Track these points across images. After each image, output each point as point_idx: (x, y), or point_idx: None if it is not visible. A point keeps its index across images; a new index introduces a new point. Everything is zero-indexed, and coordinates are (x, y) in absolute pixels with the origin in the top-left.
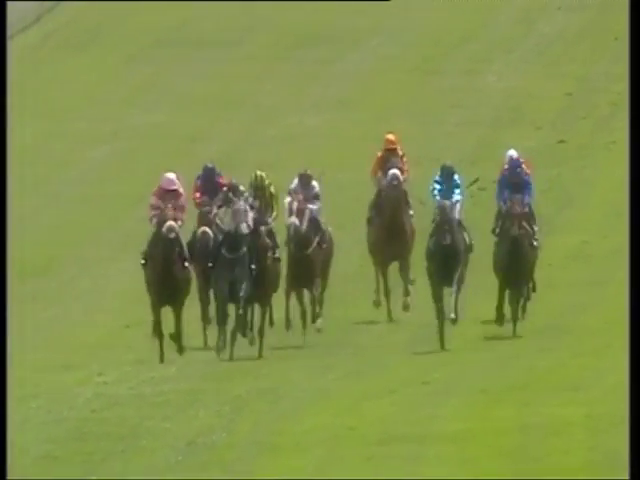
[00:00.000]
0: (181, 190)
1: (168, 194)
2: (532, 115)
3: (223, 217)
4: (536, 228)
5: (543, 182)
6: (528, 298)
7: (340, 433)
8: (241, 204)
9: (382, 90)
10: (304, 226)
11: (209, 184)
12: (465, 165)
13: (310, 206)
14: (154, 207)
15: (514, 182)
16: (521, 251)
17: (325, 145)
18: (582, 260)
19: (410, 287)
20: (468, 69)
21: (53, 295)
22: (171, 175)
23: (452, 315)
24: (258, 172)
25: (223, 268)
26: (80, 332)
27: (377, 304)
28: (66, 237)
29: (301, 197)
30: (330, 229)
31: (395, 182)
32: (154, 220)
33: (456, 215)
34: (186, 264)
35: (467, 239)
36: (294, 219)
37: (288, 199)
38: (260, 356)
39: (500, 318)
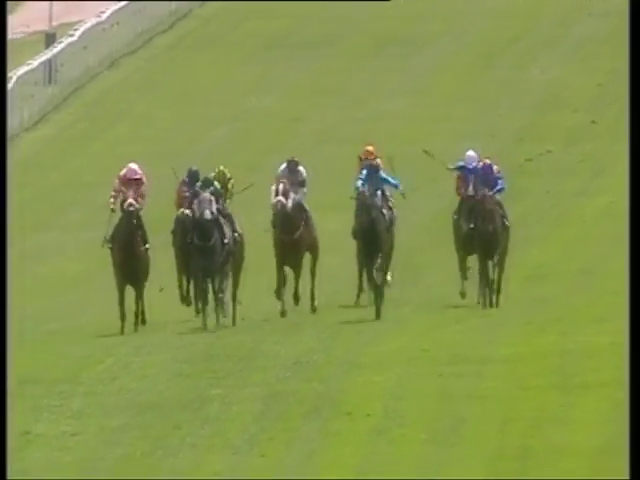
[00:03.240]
0: (144, 179)
1: (131, 182)
2: (570, 101)
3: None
4: (506, 210)
5: (579, 155)
6: (500, 275)
7: (415, 355)
8: (206, 195)
9: (448, 80)
10: (289, 205)
11: (193, 186)
12: (514, 141)
13: (294, 195)
14: (116, 191)
15: (485, 178)
16: (496, 242)
17: (403, 125)
18: (610, 217)
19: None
20: (517, 64)
21: (170, 245)
22: (134, 165)
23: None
24: (221, 167)
25: (196, 256)
26: None
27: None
28: None
29: (286, 181)
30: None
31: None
32: (113, 201)
33: (378, 203)
34: (147, 246)
35: (388, 221)
36: (280, 197)
37: (273, 186)
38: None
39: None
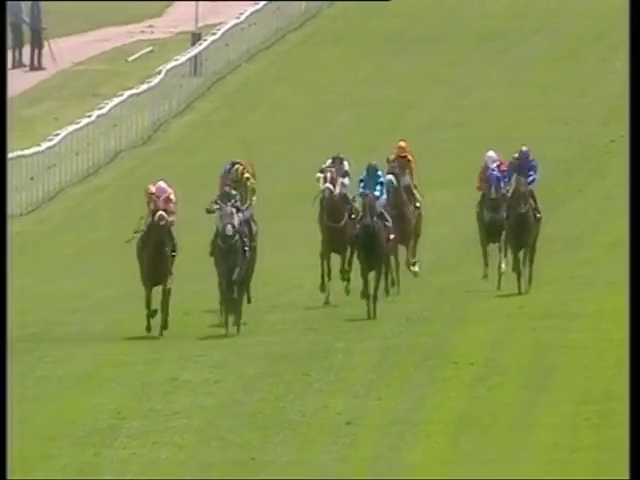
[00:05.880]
0: (172, 196)
1: (160, 199)
2: None
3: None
4: (539, 204)
5: None
6: (531, 261)
7: (512, 311)
8: (228, 208)
9: (542, 72)
10: (337, 192)
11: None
12: (600, 125)
13: (342, 180)
14: (148, 204)
15: (523, 165)
16: (527, 225)
17: (503, 111)
18: None
19: (414, 266)
20: (602, 58)
21: (303, 216)
22: (163, 184)
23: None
24: (237, 166)
25: (220, 256)
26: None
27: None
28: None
29: (334, 169)
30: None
31: (389, 187)
32: (150, 207)
33: (378, 208)
34: (174, 254)
35: (389, 229)
36: (328, 185)
37: (320, 175)
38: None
39: (517, 274)
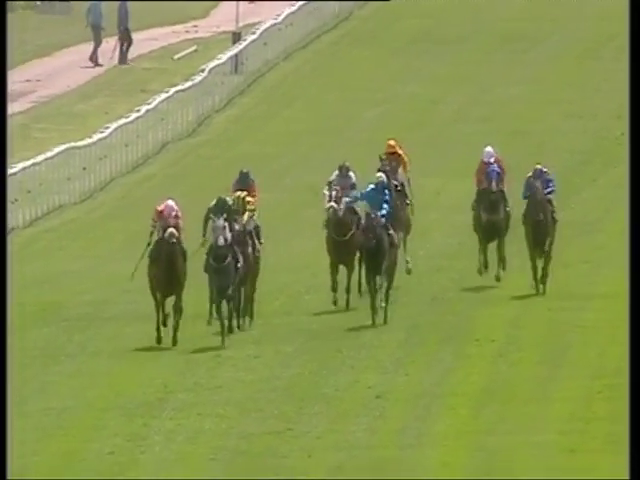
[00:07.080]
0: (180, 214)
1: (169, 218)
2: None
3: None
4: (555, 207)
5: None
6: (548, 259)
7: (530, 292)
8: (220, 222)
9: (559, 70)
10: (341, 211)
11: (243, 186)
12: (612, 118)
13: (346, 199)
14: (154, 222)
15: (540, 180)
16: (546, 231)
17: (523, 106)
18: None
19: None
20: (615, 57)
21: None
22: (172, 202)
23: (383, 304)
24: (238, 193)
25: (212, 275)
26: None
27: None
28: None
29: (339, 188)
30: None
31: (379, 185)
32: (156, 227)
33: (381, 222)
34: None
35: (392, 238)
36: (332, 204)
37: (326, 191)
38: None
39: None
